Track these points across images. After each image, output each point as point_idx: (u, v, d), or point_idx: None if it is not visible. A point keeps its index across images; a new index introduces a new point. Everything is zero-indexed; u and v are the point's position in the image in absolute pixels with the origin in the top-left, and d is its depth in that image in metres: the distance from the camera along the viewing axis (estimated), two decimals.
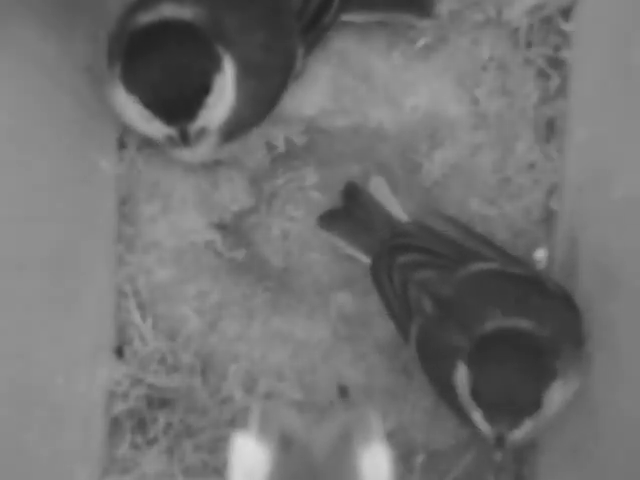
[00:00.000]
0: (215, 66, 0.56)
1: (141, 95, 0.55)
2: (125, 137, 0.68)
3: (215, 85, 0.56)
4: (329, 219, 0.67)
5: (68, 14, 0.59)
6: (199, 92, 0.55)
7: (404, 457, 0.66)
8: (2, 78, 0.52)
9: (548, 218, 0.67)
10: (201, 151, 0.61)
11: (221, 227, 0.68)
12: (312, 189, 0.68)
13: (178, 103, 0.55)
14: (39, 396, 0.57)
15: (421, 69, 0.68)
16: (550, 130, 0.68)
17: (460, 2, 0.67)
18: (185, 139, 0.57)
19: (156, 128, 0.57)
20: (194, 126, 0.56)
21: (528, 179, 0.68)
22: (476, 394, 0.54)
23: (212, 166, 0.68)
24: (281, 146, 0.68)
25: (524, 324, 0.56)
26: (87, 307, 0.63)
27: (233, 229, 0.68)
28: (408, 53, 0.68)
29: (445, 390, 0.59)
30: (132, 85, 0.56)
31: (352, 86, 0.68)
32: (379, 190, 0.66)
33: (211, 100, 0.56)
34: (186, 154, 0.62)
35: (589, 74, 0.64)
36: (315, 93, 0.68)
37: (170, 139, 0.57)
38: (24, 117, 0.55)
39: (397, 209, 0.65)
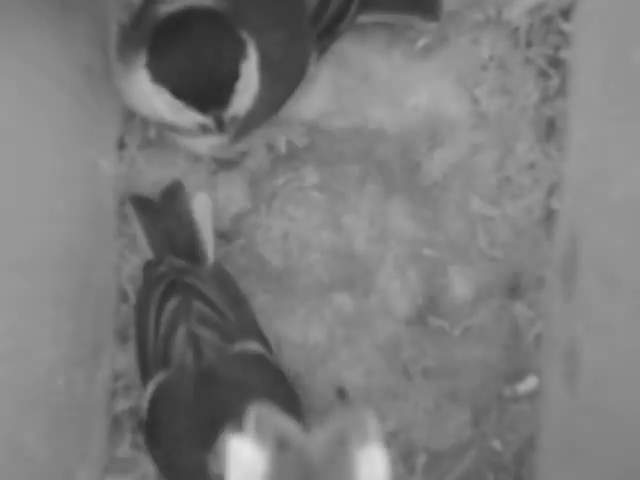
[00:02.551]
0: (242, 51, 0.55)
1: (172, 85, 0.54)
2: (125, 137, 0.68)
3: (243, 70, 0.55)
4: (140, 203, 0.65)
5: (68, 14, 0.59)
6: (230, 78, 0.54)
7: (405, 458, 0.67)
8: (2, 78, 0.52)
9: (549, 217, 0.67)
10: (221, 141, 0.60)
11: (221, 236, 0.68)
12: (312, 189, 0.68)
13: (211, 91, 0.54)
14: (39, 396, 0.57)
15: (421, 69, 0.68)
16: (550, 130, 0.67)
17: (460, 2, 0.67)
18: (221, 127, 0.55)
19: (188, 117, 0.55)
20: (228, 113, 0.55)
21: (528, 179, 0.68)
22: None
23: (212, 167, 0.68)
24: (282, 148, 0.68)
25: None
26: (87, 307, 0.63)
27: (233, 230, 0.68)
28: (408, 53, 0.68)
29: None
30: (161, 75, 0.54)
31: (352, 86, 0.68)
32: (201, 208, 0.64)
33: (240, 86, 0.55)
34: (201, 145, 0.61)
35: (589, 74, 0.64)
36: (315, 94, 0.68)
37: (203, 127, 0.56)
38: (24, 117, 0.55)
39: (209, 236, 0.64)
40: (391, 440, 0.67)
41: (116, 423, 0.67)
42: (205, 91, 0.54)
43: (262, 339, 0.61)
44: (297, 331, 0.68)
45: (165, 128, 0.60)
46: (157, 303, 0.60)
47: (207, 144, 0.61)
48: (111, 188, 0.67)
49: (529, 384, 0.67)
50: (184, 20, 0.54)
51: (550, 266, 0.66)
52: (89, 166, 0.64)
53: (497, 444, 0.67)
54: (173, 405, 0.57)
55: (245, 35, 0.55)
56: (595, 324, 0.58)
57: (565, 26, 0.67)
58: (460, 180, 0.68)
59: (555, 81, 0.67)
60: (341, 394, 0.67)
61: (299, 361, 0.67)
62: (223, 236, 0.68)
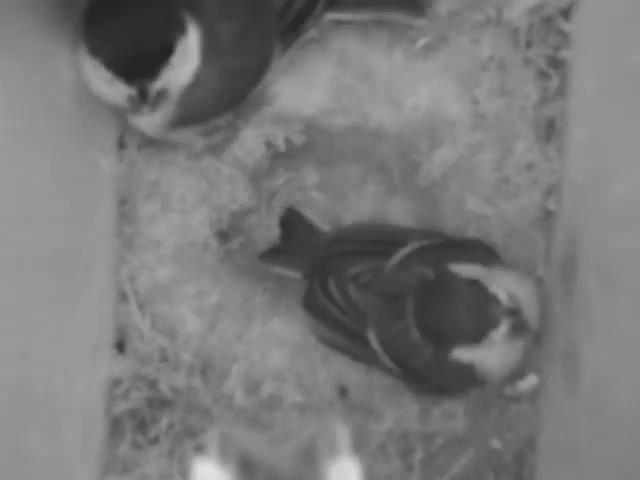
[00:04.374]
0: (178, 28, 0.56)
1: (102, 56, 0.55)
2: (125, 137, 0.68)
3: (178, 47, 0.56)
4: (270, 255, 0.67)
5: (68, 13, 0.59)
6: (161, 51, 0.55)
7: (403, 455, 0.67)
8: (2, 77, 0.52)
9: (545, 218, 0.67)
10: (160, 119, 0.60)
11: (221, 235, 0.68)
12: (312, 189, 0.68)
13: (139, 61, 0.55)
14: (39, 396, 0.57)
15: (421, 69, 0.68)
16: (550, 130, 0.68)
17: (460, 2, 0.67)
18: (144, 98, 0.56)
19: (117, 90, 0.56)
20: (154, 86, 0.56)
21: (527, 179, 0.68)
22: None
23: (211, 166, 0.68)
24: (281, 145, 0.68)
25: None
26: (87, 307, 0.63)
27: (233, 229, 0.68)
28: (408, 53, 0.68)
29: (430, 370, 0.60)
30: (94, 48, 0.55)
31: (352, 86, 0.68)
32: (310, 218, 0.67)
33: (174, 61, 0.56)
34: (145, 122, 0.61)
35: (589, 74, 0.64)
36: (315, 92, 0.68)
37: (131, 100, 0.57)
38: (24, 117, 0.55)
39: (320, 224, 0.66)
40: (389, 438, 0.67)
41: (116, 423, 0.67)
42: (132, 61, 0.55)
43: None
44: (297, 330, 0.68)
45: (115, 110, 0.61)
46: (323, 294, 0.62)
47: (149, 123, 0.61)
48: (111, 188, 0.67)
49: (530, 382, 0.67)
50: None
51: (549, 266, 0.66)
52: (89, 166, 0.64)
53: (497, 443, 0.67)
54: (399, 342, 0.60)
55: (186, 14, 0.57)
56: (595, 324, 0.58)
57: (565, 26, 0.67)
58: (459, 180, 0.68)
59: (555, 81, 0.67)
60: (342, 393, 0.67)
61: (300, 360, 0.67)
62: (223, 235, 0.68)
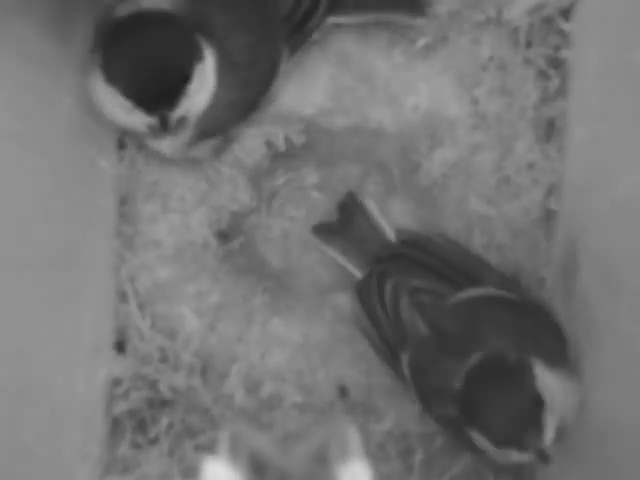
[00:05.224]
0: (195, 54, 0.56)
1: (121, 86, 0.55)
2: (125, 137, 0.68)
3: (195, 73, 0.56)
4: (324, 230, 0.66)
5: (68, 14, 0.59)
6: (180, 80, 0.56)
7: (403, 456, 0.67)
8: (2, 78, 0.52)
9: (547, 218, 0.67)
10: (180, 142, 0.61)
11: (221, 236, 0.68)
12: (312, 189, 0.68)
13: (159, 91, 0.55)
14: (39, 396, 0.57)
15: (421, 69, 0.68)
16: (550, 130, 0.68)
17: (460, 2, 0.67)
18: (165, 127, 0.56)
19: (137, 118, 0.57)
20: (175, 114, 0.56)
21: (527, 179, 0.68)
22: None
23: (211, 166, 0.68)
24: (281, 145, 0.68)
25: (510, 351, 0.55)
26: (87, 307, 0.63)
27: (233, 229, 0.68)
28: (408, 53, 0.68)
29: (443, 419, 0.60)
30: (112, 76, 0.55)
31: (352, 86, 0.68)
32: (372, 207, 0.66)
33: (192, 88, 0.56)
34: (165, 146, 0.62)
35: (589, 74, 0.64)
36: (315, 92, 0.68)
37: (151, 128, 0.57)
38: (24, 117, 0.55)
39: (385, 225, 0.65)
40: (389, 438, 0.67)
41: (116, 423, 0.67)
42: (152, 92, 0.55)
43: (484, 281, 0.60)
44: (298, 330, 0.68)
45: (127, 132, 0.62)
46: (377, 292, 0.61)
47: (169, 146, 0.62)
48: (111, 188, 0.67)
49: None
50: (137, 22, 0.55)
51: (550, 266, 0.66)
52: (89, 166, 0.64)
53: None
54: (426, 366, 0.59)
55: (201, 39, 0.57)
56: (595, 324, 0.58)
57: (565, 26, 0.67)
58: (459, 180, 0.68)
59: (555, 81, 0.67)
60: (342, 393, 0.67)
61: (300, 360, 0.67)
62: (223, 235, 0.68)
